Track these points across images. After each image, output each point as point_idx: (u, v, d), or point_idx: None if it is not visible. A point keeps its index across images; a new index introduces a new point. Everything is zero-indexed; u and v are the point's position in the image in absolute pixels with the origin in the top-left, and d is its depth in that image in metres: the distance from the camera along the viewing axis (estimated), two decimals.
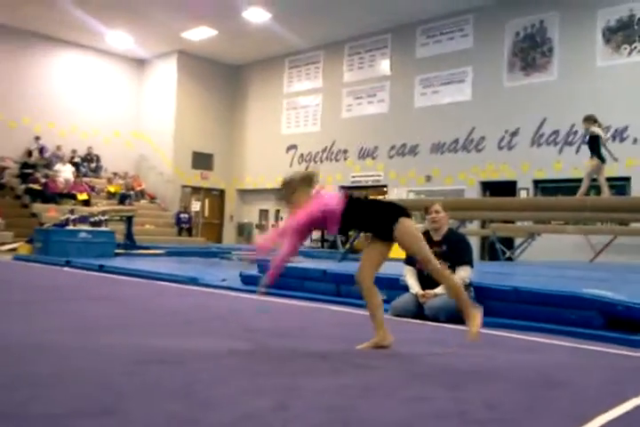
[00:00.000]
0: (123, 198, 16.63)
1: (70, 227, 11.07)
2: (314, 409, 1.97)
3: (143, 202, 17.63)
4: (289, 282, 5.62)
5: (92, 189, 16.88)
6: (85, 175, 17.35)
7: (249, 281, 6.05)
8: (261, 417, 1.86)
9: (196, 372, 2.45)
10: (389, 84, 15.92)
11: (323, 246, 16.20)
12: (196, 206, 18.59)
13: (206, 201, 19.22)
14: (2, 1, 14.73)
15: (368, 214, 3.06)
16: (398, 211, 3.03)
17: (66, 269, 8.41)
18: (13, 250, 12.16)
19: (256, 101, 19.18)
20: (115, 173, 18.13)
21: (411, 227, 3.01)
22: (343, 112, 16.85)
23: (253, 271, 6.23)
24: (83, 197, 15.96)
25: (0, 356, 2.59)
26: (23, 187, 15.63)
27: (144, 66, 19.39)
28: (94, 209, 13.72)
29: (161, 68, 18.93)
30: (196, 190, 18.97)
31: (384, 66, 16.11)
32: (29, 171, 15.92)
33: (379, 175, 15.87)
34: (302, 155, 17.62)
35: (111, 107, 18.59)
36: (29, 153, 16.70)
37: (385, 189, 15.83)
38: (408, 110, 15.38)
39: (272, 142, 18.39)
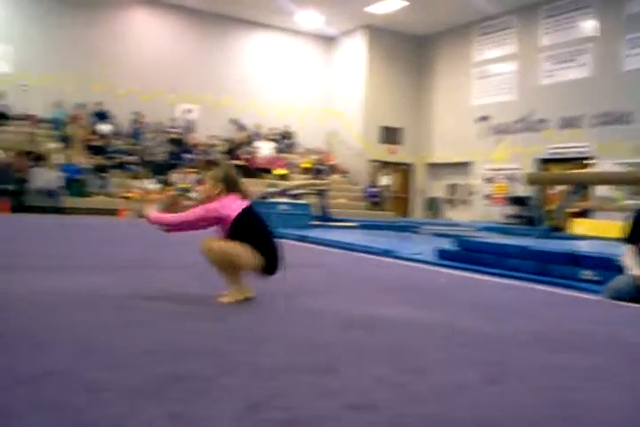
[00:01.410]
0: (316, 173, 17.40)
1: (271, 199, 11.88)
2: (526, 387, 1.90)
3: (335, 176, 18.27)
4: (486, 258, 5.47)
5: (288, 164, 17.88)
6: (282, 151, 18.43)
7: (445, 256, 5.99)
8: (473, 388, 1.84)
9: (398, 339, 2.50)
10: (593, 46, 14.46)
11: (519, 223, 15.41)
12: (384, 181, 18.82)
13: (394, 175, 19.34)
14: None
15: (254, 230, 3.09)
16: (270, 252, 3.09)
17: None
18: None
19: (443, 72, 18.70)
20: (308, 149, 19.00)
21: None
22: (541, 78, 15.72)
23: (450, 246, 6.18)
24: (281, 171, 16.98)
25: (226, 315, 2.89)
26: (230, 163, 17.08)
27: (332, 43, 19.87)
28: (291, 183, 14.56)
29: (348, 45, 19.25)
30: (384, 165, 19.17)
31: (586, 26, 14.65)
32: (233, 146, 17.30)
33: (582, 146, 14.61)
34: (495, 126, 16.86)
35: (303, 85, 19.41)
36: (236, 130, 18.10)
37: (588, 161, 14.55)
38: (616, 74, 13.87)
39: (461, 114, 17.83)
